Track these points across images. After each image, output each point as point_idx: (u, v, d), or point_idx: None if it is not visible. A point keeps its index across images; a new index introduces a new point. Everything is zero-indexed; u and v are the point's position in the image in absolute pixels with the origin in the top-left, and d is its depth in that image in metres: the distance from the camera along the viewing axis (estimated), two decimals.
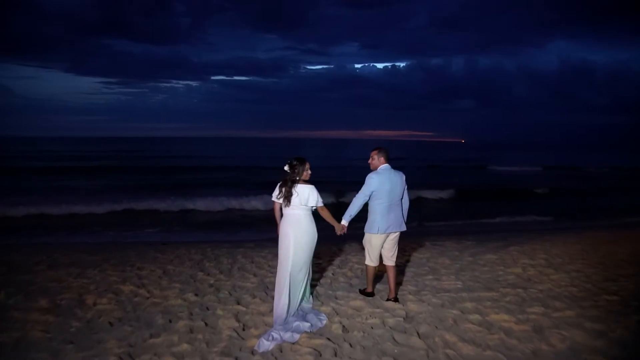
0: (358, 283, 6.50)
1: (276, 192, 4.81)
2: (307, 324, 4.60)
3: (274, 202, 4.88)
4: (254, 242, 10.86)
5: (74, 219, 15.10)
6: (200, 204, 17.13)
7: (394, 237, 5.46)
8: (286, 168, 4.77)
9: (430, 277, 6.88)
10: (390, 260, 5.52)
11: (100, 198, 17.85)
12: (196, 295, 5.83)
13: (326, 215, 4.98)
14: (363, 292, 5.80)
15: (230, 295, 5.86)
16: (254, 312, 5.11)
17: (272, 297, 5.59)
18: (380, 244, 5.38)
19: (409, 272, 7.26)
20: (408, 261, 8.05)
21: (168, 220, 15.20)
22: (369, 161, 5.37)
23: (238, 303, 5.47)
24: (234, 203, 17.31)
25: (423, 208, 18.35)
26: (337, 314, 5.10)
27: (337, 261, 8.10)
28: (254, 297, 5.76)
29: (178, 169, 36.02)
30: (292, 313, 4.72)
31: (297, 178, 4.73)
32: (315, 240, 4.83)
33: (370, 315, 4.99)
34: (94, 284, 6.39)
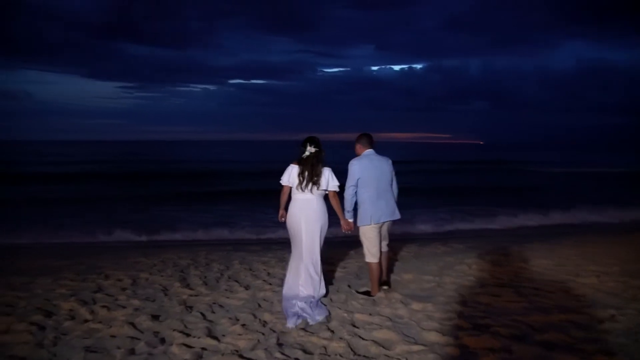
0: (382, 297, 4.80)
1: (291, 176, 4.43)
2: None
3: (283, 185, 4.50)
4: (261, 245, 9.29)
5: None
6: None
7: (387, 225, 5.06)
8: (312, 149, 4.42)
9: (479, 290, 5.12)
10: (383, 247, 5.08)
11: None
12: (155, 318, 4.14)
13: (336, 203, 4.59)
14: (364, 293, 5.01)
15: (203, 318, 4.16)
16: (226, 352, 3.36)
17: (263, 322, 4.10)
18: (377, 235, 4.88)
19: (448, 281, 5.50)
20: (444, 267, 6.28)
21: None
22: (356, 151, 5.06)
23: (209, 333, 3.74)
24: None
25: None
26: (355, 353, 3.36)
27: (353, 267, 6.41)
28: (235, 322, 4.04)
29: (200, 174, 33.39)
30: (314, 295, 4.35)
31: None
32: (327, 226, 4.54)
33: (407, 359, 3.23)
34: (27, 299, 4.78)
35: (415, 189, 20.61)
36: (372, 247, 4.85)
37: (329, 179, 4.46)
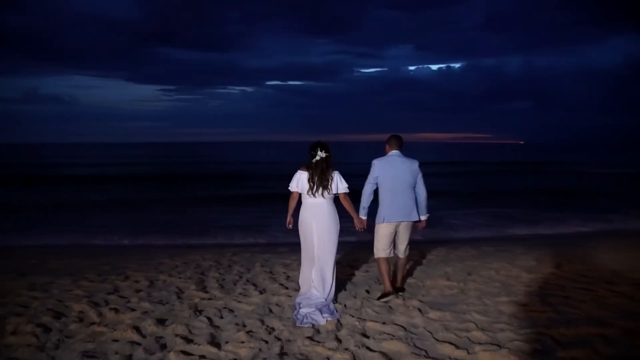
0: (399, 304, 4.60)
1: (300, 182, 4.43)
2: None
3: (292, 191, 4.51)
4: (289, 247, 9.16)
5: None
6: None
7: (405, 227, 4.98)
8: (322, 154, 4.41)
9: (504, 298, 4.82)
10: (401, 253, 5.12)
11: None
12: (160, 323, 4.05)
13: (348, 204, 4.57)
14: (383, 295, 4.90)
15: (210, 324, 4.05)
16: None
17: (270, 329, 3.95)
18: (388, 234, 4.94)
19: (472, 287, 5.24)
20: (469, 273, 5.99)
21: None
22: None
23: (212, 340, 3.63)
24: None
25: None
26: None
27: (375, 271, 6.20)
28: (242, 328, 3.92)
29: (237, 176, 33.05)
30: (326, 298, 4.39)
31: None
32: (339, 229, 4.53)
33: None
34: (42, 300, 4.80)
35: (452, 191, 20.07)
36: (378, 243, 4.98)
37: (338, 183, 4.48)
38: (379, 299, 4.86)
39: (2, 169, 36.76)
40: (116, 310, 4.38)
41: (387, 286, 4.89)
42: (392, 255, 5.08)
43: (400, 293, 5.04)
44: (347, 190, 4.52)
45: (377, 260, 5.04)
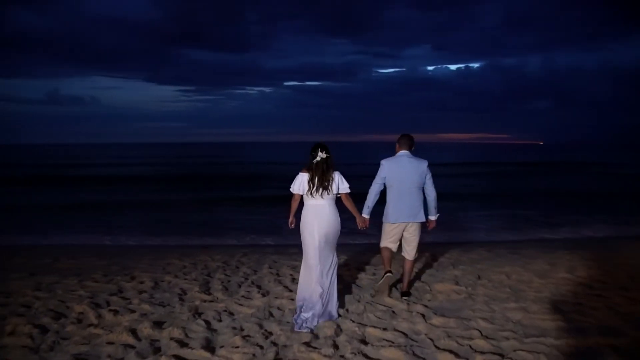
0: (403, 309, 4.50)
1: (302, 184, 4.40)
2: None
3: (294, 193, 4.49)
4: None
5: None
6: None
7: (412, 228, 4.96)
8: (322, 155, 4.38)
9: (513, 304, 4.67)
10: (408, 254, 5.08)
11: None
12: (157, 325, 3.99)
13: (350, 204, 4.58)
14: (383, 276, 4.98)
15: (208, 327, 3.99)
16: None
17: (267, 334, 3.85)
18: (394, 233, 4.98)
19: (480, 292, 5.10)
20: (480, 276, 5.84)
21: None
22: None
23: (206, 344, 3.56)
24: None
25: None
26: None
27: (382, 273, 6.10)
28: (239, 332, 3.85)
29: (255, 177, 32.94)
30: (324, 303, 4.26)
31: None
32: (339, 230, 4.48)
33: None
34: (45, 300, 4.80)
35: (470, 192, 19.77)
36: (384, 237, 5.07)
37: (338, 183, 4.44)
38: (379, 282, 4.99)
39: (25, 169, 37.57)
40: (115, 312, 4.35)
41: (386, 266, 4.98)
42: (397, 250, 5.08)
43: (405, 298, 4.95)
44: (348, 190, 4.50)
45: (381, 249, 5.10)
